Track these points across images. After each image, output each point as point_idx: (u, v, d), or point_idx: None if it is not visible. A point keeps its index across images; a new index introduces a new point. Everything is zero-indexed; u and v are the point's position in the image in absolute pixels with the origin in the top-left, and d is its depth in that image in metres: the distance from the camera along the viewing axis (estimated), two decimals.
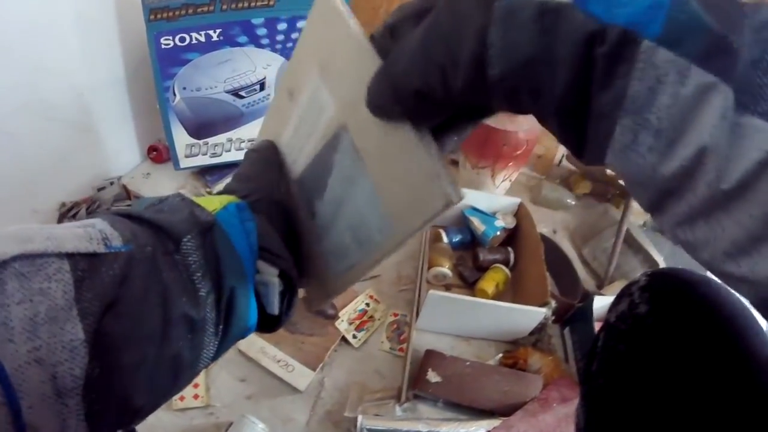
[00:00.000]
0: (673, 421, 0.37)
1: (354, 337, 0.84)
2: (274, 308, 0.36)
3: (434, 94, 0.26)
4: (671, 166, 0.24)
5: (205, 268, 0.30)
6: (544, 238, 0.98)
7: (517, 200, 1.03)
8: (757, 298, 0.23)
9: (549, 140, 1.19)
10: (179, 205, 0.32)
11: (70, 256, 0.25)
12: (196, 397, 0.76)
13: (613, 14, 0.23)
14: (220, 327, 0.32)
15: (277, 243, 0.36)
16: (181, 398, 0.75)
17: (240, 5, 0.97)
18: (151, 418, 0.76)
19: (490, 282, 0.93)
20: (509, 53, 0.24)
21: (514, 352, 0.86)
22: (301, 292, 0.40)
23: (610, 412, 0.43)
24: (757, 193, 0.22)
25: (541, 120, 0.26)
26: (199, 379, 0.77)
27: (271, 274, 0.35)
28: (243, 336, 0.35)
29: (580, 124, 0.25)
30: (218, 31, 0.97)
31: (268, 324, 0.37)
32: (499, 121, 0.95)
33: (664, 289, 0.44)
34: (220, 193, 0.38)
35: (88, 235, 0.26)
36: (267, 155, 0.41)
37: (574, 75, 0.24)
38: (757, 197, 0.22)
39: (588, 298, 0.88)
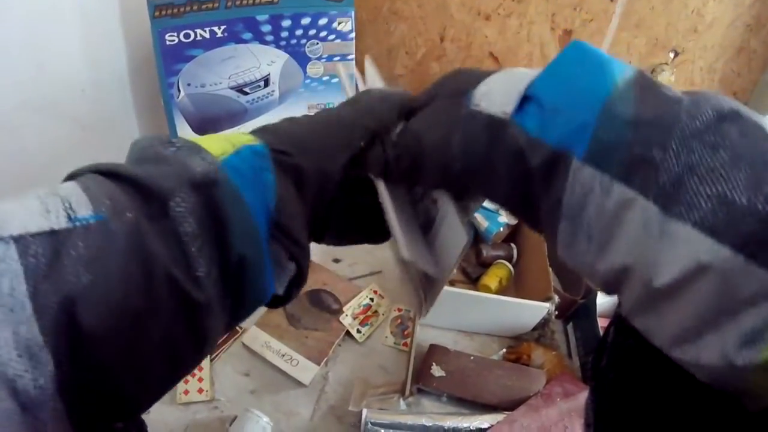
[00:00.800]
0: (684, 416, 0.38)
1: (358, 331, 0.84)
2: (281, 290, 0.30)
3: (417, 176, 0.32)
4: (606, 267, 0.26)
5: (203, 238, 0.24)
6: None
7: None
8: (710, 379, 0.24)
9: None
10: (176, 152, 0.25)
11: (18, 240, 0.19)
12: (200, 391, 0.76)
13: (545, 132, 0.26)
14: (228, 301, 0.26)
15: (298, 225, 0.29)
16: (186, 392, 0.75)
17: (244, 2, 0.97)
18: (155, 413, 0.76)
19: (493, 278, 0.93)
20: (465, 158, 0.29)
21: (518, 347, 0.86)
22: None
23: (621, 407, 0.43)
24: (691, 295, 0.23)
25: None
26: (204, 373, 0.77)
27: (283, 258, 0.29)
28: (254, 309, 0.29)
29: (532, 216, 0.29)
30: (223, 27, 0.98)
31: (271, 301, 0.31)
32: None
33: None
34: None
35: (44, 207, 0.20)
36: (362, 117, 0.32)
37: (512, 182, 0.27)
38: (691, 298, 0.23)
39: (591, 294, 0.88)
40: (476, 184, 0.30)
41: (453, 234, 0.35)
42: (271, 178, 0.27)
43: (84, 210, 0.21)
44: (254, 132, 0.30)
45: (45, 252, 0.19)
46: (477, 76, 0.30)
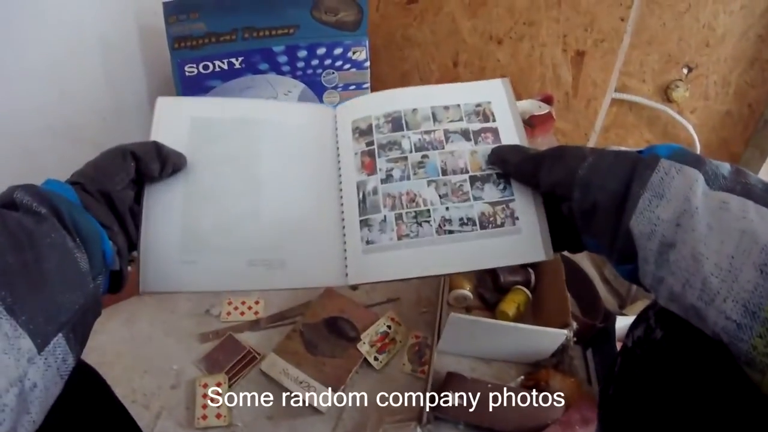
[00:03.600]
0: None
1: (375, 359, 0.84)
2: (115, 264, 0.41)
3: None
4: (668, 212, 0.38)
5: (38, 201, 0.37)
6: (565, 258, 0.97)
7: None
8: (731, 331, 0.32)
9: None
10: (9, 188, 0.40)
11: None
12: (218, 416, 0.77)
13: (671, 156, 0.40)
14: (76, 237, 0.37)
15: (103, 214, 0.41)
16: (203, 417, 0.76)
17: (261, 34, 1.00)
18: None
19: (510, 304, 0.93)
20: (592, 176, 0.40)
21: (536, 374, 0.85)
22: None
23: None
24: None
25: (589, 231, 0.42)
26: (222, 398, 0.78)
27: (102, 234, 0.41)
28: (106, 254, 0.40)
29: (618, 218, 0.39)
30: (240, 59, 1.01)
31: (116, 284, 0.42)
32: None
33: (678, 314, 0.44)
34: None
35: None
36: (117, 152, 0.45)
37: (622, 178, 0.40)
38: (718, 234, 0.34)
39: (610, 319, 0.87)
40: (586, 208, 0.42)
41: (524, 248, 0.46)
42: (71, 189, 0.41)
43: None
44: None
45: None
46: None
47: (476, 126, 0.50)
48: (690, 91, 1.09)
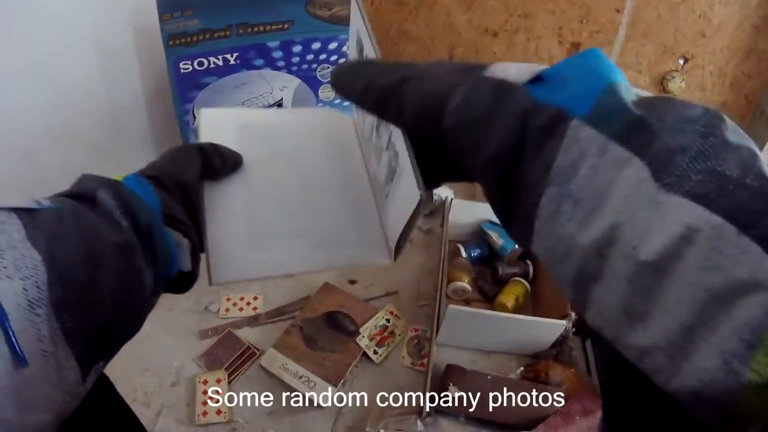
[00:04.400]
0: None
1: (375, 352, 0.84)
2: (188, 265, 0.41)
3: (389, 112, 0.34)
4: (589, 236, 0.25)
5: (121, 209, 0.36)
6: None
7: None
8: (694, 399, 0.22)
9: None
10: (88, 179, 0.38)
11: (14, 209, 0.30)
12: (218, 412, 0.77)
13: (551, 98, 0.27)
14: (149, 257, 0.36)
15: (179, 212, 0.41)
16: (204, 413, 0.76)
17: (255, 29, 1.00)
18: None
19: (509, 295, 0.93)
20: (464, 109, 0.29)
21: (535, 365, 0.85)
22: None
23: (631, 428, 0.43)
24: (678, 274, 0.22)
25: (478, 180, 0.31)
26: (222, 394, 0.78)
27: (178, 236, 0.40)
28: (172, 271, 0.39)
29: (510, 194, 0.29)
30: (235, 55, 1.00)
31: (183, 282, 0.42)
32: None
33: None
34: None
35: (23, 201, 0.32)
36: (188, 147, 0.45)
37: (507, 139, 0.28)
38: (679, 279, 0.22)
39: None
40: (461, 145, 0.30)
41: (406, 194, 0.37)
42: (150, 187, 0.39)
43: (45, 202, 0.32)
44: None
45: (28, 218, 0.30)
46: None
47: None
48: (686, 81, 1.09)
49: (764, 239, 0.20)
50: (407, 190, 0.37)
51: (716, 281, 0.20)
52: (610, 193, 0.25)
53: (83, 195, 0.36)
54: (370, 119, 0.48)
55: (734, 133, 0.24)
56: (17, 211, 0.30)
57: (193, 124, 1.03)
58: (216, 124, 0.52)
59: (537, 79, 0.28)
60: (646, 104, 0.25)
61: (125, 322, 0.35)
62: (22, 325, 0.27)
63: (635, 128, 0.25)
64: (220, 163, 0.46)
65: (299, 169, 0.53)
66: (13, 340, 0.27)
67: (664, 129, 0.24)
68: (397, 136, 0.37)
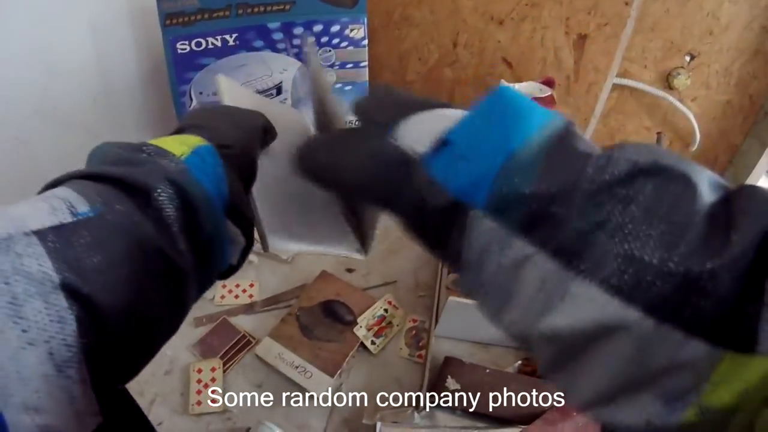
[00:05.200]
0: None
1: (372, 343, 0.83)
2: (234, 261, 0.37)
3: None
4: (503, 325, 0.26)
5: (181, 221, 0.29)
6: None
7: None
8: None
9: None
10: (145, 157, 0.31)
11: (37, 233, 0.23)
12: (213, 401, 0.75)
13: (448, 179, 0.26)
14: (200, 272, 0.31)
15: (245, 204, 0.35)
16: (198, 403, 0.75)
17: (256, 10, 0.97)
18: (167, 422, 0.76)
19: None
20: (376, 188, 0.29)
21: (534, 359, 0.85)
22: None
23: None
24: (599, 359, 0.22)
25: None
26: (217, 384, 0.77)
27: (237, 234, 0.35)
28: (213, 282, 0.36)
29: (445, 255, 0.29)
30: (234, 35, 0.98)
31: (226, 271, 0.38)
32: None
33: None
34: (180, 130, 0.36)
35: (51, 207, 0.25)
36: (254, 114, 0.40)
37: (417, 223, 0.28)
38: (600, 362, 0.22)
39: None
40: (387, 211, 0.31)
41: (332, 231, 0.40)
42: (221, 171, 0.33)
43: (82, 207, 0.25)
44: (196, 131, 0.35)
45: (59, 241, 0.23)
46: (407, 107, 0.30)
47: None
48: (691, 79, 1.08)
49: (687, 324, 0.20)
50: None
51: (638, 367, 0.21)
52: (516, 293, 0.24)
53: (136, 188, 0.28)
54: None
55: (669, 182, 0.22)
56: (40, 233, 0.23)
57: (190, 106, 1.00)
58: (236, 96, 0.48)
59: (442, 142, 0.27)
60: (550, 174, 0.23)
61: (157, 348, 0.30)
62: (52, 397, 0.22)
63: (537, 220, 0.23)
64: (271, 137, 0.41)
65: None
66: None
67: (574, 210, 0.22)
68: None
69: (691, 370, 0.20)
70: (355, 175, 0.30)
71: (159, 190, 0.28)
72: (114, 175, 0.28)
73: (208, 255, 0.31)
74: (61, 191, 0.27)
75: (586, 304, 0.22)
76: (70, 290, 0.23)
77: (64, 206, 0.25)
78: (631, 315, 0.20)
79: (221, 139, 0.35)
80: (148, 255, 0.27)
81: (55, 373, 0.22)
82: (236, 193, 0.34)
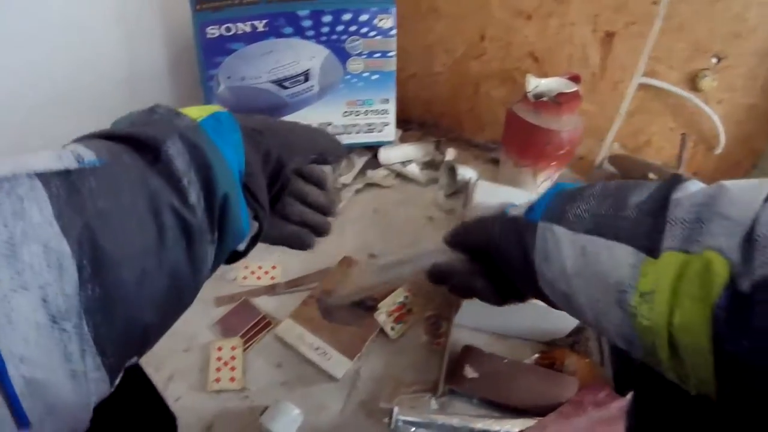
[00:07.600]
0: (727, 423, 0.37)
1: (392, 329, 0.84)
2: (244, 246, 0.36)
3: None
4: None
5: (192, 175, 0.28)
6: None
7: None
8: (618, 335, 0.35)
9: (591, 141, 1.18)
10: (158, 117, 0.30)
11: (41, 175, 0.22)
12: (232, 380, 0.76)
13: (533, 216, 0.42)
14: (215, 235, 0.30)
15: (262, 190, 0.34)
16: (217, 380, 0.76)
17: None
18: (184, 399, 0.77)
19: None
20: (498, 244, 0.46)
21: (551, 352, 0.85)
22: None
23: (661, 415, 0.42)
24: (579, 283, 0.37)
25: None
26: (236, 362, 0.78)
27: (249, 216, 0.34)
28: (236, 246, 0.34)
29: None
30: (264, 21, 0.99)
31: (231, 257, 0.37)
32: (543, 119, 0.95)
33: None
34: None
35: (58, 155, 0.24)
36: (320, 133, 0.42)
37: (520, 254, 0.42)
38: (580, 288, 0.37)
39: None
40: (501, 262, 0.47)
41: None
42: (238, 137, 0.32)
43: (90, 157, 0.25)
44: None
45: (63, 186, 0.23)
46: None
47: None
48: (717, 81, 1.07)
49: (629, 240, 0.32)
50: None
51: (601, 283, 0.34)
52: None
53: (144, 143, 0.27)
54: None
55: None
56: (44, 177, 0.22)
57: (217, 90, 1.02)
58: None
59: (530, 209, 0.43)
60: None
61: (171, 318, 0.28)
62: (41, 349, 0.20)
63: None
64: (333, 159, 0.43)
65: None
66: (15, 401, 0.20)
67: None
68: None
69: (632, 268, 0.31)
70: (486, 237, 0.50)
71: (169, 143, 0.28)
72: (123, 134, 0.28)
73: (225, 217, 0.30)
74: (70, 145, 0.27)
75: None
76: (71, 234, 0.22)
77: (71, 156, 0.25)
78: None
79: (257, 123, 0.35)
80: (157, 207, 0.26)
81: (48, 323, 0.21)
82: (252, 171, 0.33)
